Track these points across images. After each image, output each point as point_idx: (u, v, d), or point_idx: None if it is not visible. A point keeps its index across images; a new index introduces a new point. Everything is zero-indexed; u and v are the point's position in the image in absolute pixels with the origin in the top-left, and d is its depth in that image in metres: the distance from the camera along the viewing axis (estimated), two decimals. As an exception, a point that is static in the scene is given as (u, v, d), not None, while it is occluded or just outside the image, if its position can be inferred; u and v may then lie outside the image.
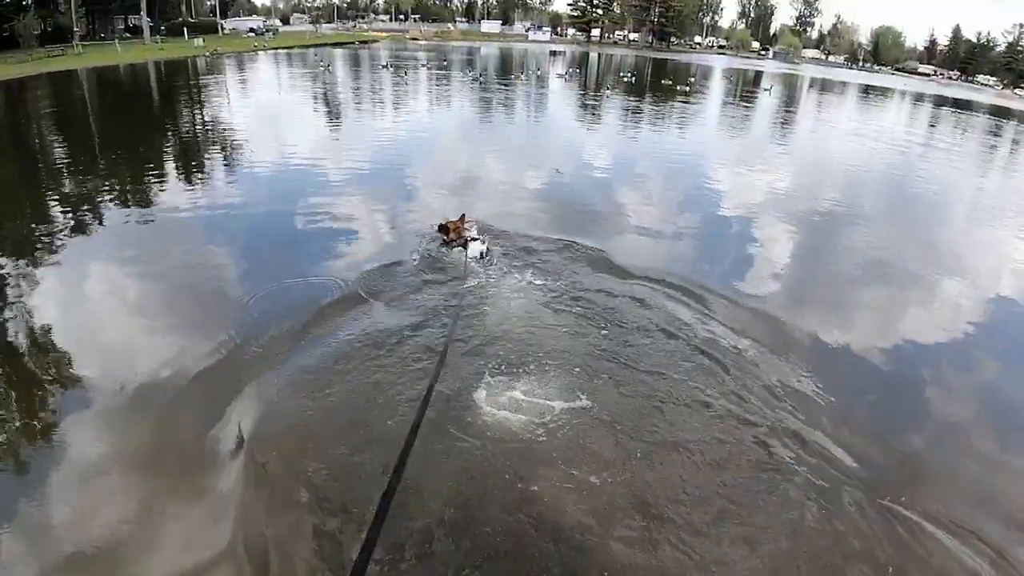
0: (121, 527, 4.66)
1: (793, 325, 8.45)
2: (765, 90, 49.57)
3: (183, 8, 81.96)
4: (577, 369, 6.68)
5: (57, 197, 13.14)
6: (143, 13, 63.91)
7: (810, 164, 21.82)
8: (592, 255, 10.04)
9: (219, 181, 14.90)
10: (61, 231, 10.94)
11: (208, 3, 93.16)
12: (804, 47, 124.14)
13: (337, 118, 25.14)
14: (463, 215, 9.98)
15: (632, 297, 8.52)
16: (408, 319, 7.50)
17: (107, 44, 57.69)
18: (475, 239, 9.04)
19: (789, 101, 45.75)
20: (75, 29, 55.34)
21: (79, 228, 11.19)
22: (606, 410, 6.04)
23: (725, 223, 13.54)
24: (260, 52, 59.28)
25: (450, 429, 5.62)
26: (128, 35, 66.46)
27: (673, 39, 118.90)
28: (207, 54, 53.84)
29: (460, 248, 8.96)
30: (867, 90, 61.84)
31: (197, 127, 22.41)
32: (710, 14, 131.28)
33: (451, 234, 9.25)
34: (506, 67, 53.17)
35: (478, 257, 8.75)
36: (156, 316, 7.96)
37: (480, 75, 42.23)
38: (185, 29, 68.37)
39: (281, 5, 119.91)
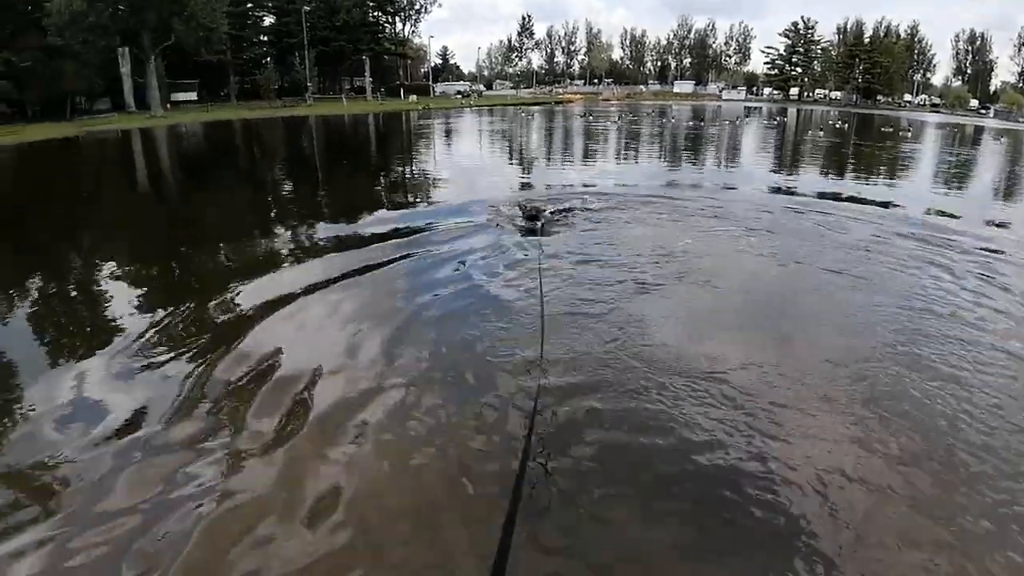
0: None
1: None
2: (996, 140, 42.63)
3: (401, 73, 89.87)
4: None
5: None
6: (367, 74, 70.62)
7: None
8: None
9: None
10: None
11: (422, 69, 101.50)
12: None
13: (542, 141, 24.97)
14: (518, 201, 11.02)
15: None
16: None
17: (335, 99, 64.17)
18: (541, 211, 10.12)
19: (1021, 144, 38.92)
20: (308, 85, 61.89)
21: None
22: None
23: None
24: (466, 108, 62.42)
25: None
26: (353, 93, 73.48)
27: (879, 97, 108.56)
28: (420, 108, 57.67)
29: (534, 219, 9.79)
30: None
31: (411, 143, 23.23)
32: (921, 71, 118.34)
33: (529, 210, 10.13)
34: (699, 116, 50.79)
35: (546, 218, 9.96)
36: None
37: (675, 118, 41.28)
38: (402, 90, 74.90)
39: (486, 73, 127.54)
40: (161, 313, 6.23)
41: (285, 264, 8.22)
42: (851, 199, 13.02)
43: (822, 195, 13.60)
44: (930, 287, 7.02)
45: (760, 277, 7.51)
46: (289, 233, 10.24)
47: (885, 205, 12.55)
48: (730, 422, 4.15)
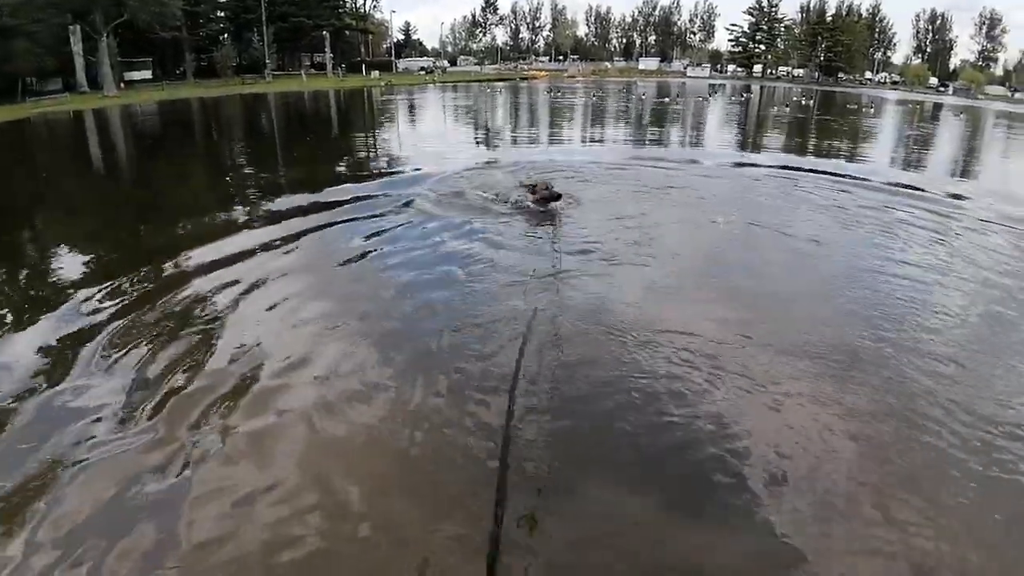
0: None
1: None
2: (956, 116, 43.80)
3: (362, 48, 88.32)
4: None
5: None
6: (327, 50, 69.37)
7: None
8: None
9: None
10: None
11: (384, 45, 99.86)
12: (988, 83, 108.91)
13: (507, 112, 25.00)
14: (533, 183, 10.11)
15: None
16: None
17: (294, 76, 63.05)
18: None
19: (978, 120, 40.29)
20: (266, 62, 60.65)
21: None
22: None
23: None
24: (430, 85, 61.73)
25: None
26: (313, 70, 72.09)
27: (841, 74, 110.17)
28: (382, 84, 56.87)
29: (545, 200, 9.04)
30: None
31: (375, 120, 23.85)
32: (882, 49, 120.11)
33: (537, 191, 9.22)
34: (665, 93, 51.30)
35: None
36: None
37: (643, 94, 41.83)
38: (363, 66, 73.62)
39: (449, 49, 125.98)
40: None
41: (244, 231, 8.27)
42: (817, 168, 13.49)
43: (789, 165, 14.06)
44: (895, 248, 7.46)
45: (729, 243, 7.79)
46: (248, 207, 10.04)
47: (851, 173, 13.06)
48: (701, 383, 4.34)
